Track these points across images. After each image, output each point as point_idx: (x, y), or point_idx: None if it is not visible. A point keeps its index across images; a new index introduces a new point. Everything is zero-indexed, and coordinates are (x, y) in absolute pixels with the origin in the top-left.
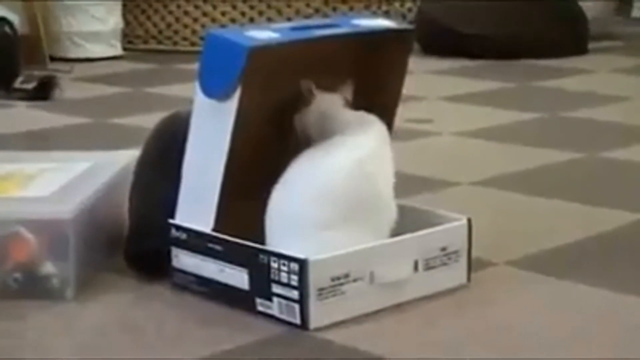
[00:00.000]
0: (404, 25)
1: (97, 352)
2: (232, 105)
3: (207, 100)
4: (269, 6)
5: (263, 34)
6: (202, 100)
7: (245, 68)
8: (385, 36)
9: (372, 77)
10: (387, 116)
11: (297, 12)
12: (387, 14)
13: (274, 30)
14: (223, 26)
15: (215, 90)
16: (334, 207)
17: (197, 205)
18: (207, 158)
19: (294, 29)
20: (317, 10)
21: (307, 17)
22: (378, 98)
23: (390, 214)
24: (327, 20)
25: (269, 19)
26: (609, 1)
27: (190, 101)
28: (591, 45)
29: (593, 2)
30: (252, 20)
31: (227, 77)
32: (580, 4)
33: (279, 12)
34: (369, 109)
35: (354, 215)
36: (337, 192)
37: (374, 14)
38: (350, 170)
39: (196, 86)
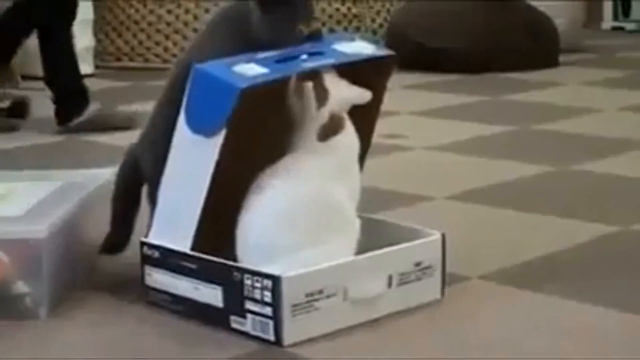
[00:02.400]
0: (386, 52)
1: None
2: (217, 140)
3: (193, 134)
4: None
5: (250, 69)
6: (186, 134)
7: (235, 109)
8: (368, 64)
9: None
10: (365, 135)
11: None
12: (358, 30)
13: (260, 63)
14: None
15: (202, 128)
16: (298, 229)
17: (173, 231)
18: (188, 189)
19: (279, 60)
20: None
21: None
22: (357, 118)
23: (354, 230)
24: (309, 47)
25: None
26: (578, 14)
27: None
28: (562, 58)
29: (563, 15)
30: None
31: (216, 116)
32: (551, 17)
33: None
34: None
35: (318, 235)
36: (299, 215)
37: (352, 36)
38: (310, 193)
39: (181, 118)
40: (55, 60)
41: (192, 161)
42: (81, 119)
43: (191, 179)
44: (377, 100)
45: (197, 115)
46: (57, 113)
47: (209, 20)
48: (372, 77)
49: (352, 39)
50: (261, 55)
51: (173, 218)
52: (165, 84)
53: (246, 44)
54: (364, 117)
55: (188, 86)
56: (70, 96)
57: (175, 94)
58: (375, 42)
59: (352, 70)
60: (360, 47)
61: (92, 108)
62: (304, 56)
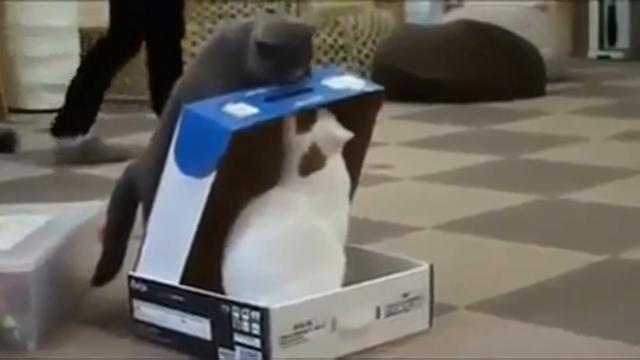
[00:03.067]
0: (375, 87)
1: None
2: (208, 181)
3: (182, 175)
4: None
5: (240, 109)
6: (176, 173)
7: (226, 151)
8: (357, 99)
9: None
10: (354, 168)
11: None
12: (345, 60)
13: (250, 102)
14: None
15: (192, 169)
16: (283, 262)
17: (162, 266)
18: (177, 227)
19: (269, 99)
20: None
21: None
22: (347, 152)
23: (340, 263)
24: (300, 83)
25: None
26: (565, 43)
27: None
28: (548, 87)
29: (549, 45)
30: None
31: (207, 158)
32: (537, 46)
33: None
34: None
35: (303, 268)
36: (284, 248)
37: (340, 69)
38: (295, 227)
39: (170, 157)
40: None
41: (182, 200)
42: None
43: (180, 217)
44: (366, 135)
45: (187, 157)
46: None
47: (206, 47)
48: (361, 112)
49: (341, 73)
50: (250, 92)
51: (161, 254)
52: (165, 108)
53: (242, 79)
54: (353, 152)
55: (178, 126)
56: None
57: (172, 120)
58: (362, 74)
59: (341, 107)
60: (349, 82)
61: None
62: (293, 94)
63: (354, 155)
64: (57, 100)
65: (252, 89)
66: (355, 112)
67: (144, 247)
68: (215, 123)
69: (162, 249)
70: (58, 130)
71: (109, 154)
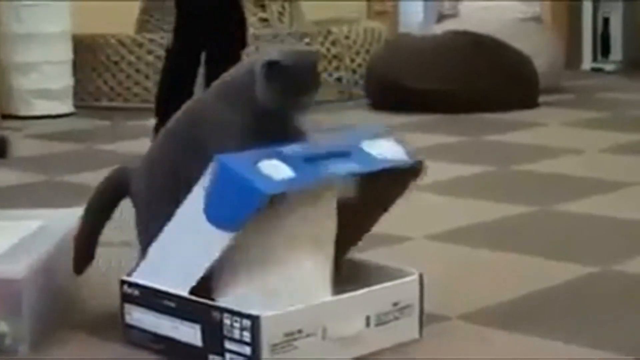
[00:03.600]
0: (416, 158)
1: None
2: (228, 236)
3: (205, 220)
4: None
5: (276, 169)
6: (198, 215)
7: (256, 212)
8: (394, 169)
9: (371, 202)
10: (358, 232)
11: None
12: (337, 69)
13: (286, 161)
14: None
15: (217, 220)
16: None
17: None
18: (182, 265)
19: (307, 159)
20: None
21: None
22: (356, 216)
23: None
24: (336, 144)
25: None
26: (558, 55)
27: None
28: (542, 98)
29: (543, 56)
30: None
31: (235, 214)
32: (530, 58)
33: None
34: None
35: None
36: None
37: (379, 130)
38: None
39: (198, 198)
40: None
41: (197, 242)
42: None
43: (189, 257)
44: (386, 206)
45: (215, 206)
46: None
47: (217, 82)
48: (394, 181)
49: (382, 135)
50: (288, 149)
51: (158, 279)
52: (171, 122)
53: (253, 112)
54: (365, 217)
55: (209, 176)
56: None
57: (174, 137)
58: (355, 83)
59: (378, 176)
60: (389, 149)
61: None
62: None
63: (364, 220)
64: (49, 106)
65: (288, 144)
66: (385, 183)
67: (141, 264)
68: (251, 183)
69: (161, 275)
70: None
71: None
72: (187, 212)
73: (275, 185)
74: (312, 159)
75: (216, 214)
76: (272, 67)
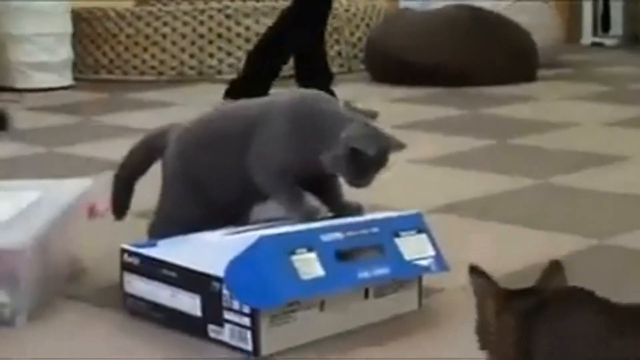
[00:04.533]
0: (443, 266)
1: None
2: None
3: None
4: (219, 35)
5: (308, 265)
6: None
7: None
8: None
9: None
10: None
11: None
12: (337, 42)
13: (320, 255)
14: (173, 56)
15: (237, 291)
16: None
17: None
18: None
19: (340, 254)
20: None
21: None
22: None
23: None
24: (370, 233)
25: (219, 49)
26: (558, 30)
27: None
28: (540, 72)
29: (542, 31)
30: (201, 49)
31: (249, 298)
32: (529, 31)
33: (229, 41)
34: None
35: None
36: None
37: (420, 222)
38: None
39: (224, 246)
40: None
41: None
42: None
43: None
44: None
45: (234, 275)
46: None
47: (292, 109)
48: None
49: (418, 228)
50: (326, 236)
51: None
52: (214, 110)
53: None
54: None
55: (248, 247)
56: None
57: (212, 131)
58: (354, 57)
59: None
60: (421, 250)
61: None
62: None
63: None
64: (47, 79)
65: (327, 227)
66: None
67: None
68: (275, 280)
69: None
70: (234, 93)
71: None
72: (207, 244)
73: (298, 291)
74: (346, 255)
75: (231, 277)
76: (355, 153)
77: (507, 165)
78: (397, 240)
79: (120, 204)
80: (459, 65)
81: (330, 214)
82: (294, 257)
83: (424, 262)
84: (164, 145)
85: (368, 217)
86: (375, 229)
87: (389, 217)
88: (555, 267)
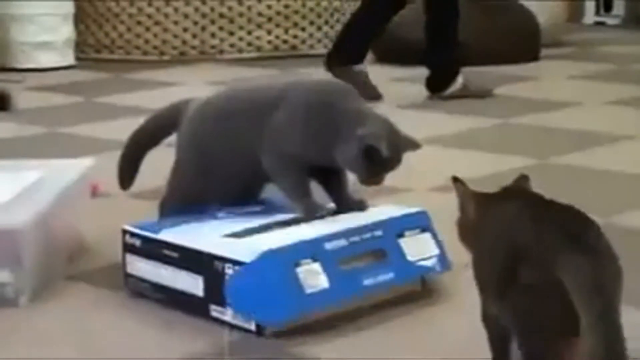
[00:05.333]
0: (447, 262)
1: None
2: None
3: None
4: (221, 15)
5: (313, 276)
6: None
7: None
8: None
9: None
10: None
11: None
12: (338, 22)
13: (325, 264)
14: (175, 36)
15: (236, 303)
16: None
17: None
18: None
19: (344, 262)
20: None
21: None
22: None
23: None
24: (374, 237)
25: (221, 28)
26: (561, 9)
27: (141, 111)
28: (544, 52)
29: (545, 10)
30: (203, 29)
31: (250, 309)
32: (532, 11)
33: (231, 20)
34: None
35: None
36: None
37: (422, 221)
38: None
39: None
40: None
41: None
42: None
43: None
44: None
45: (237, 285)
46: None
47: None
48: None
49: (421, 228)
50: (331, 244)
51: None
52: (246, 91)
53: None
54: None
55: (252, 262)
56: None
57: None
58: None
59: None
60: (424, 250)
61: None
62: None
63: None
64: (49, 59)
65: (331, 235)
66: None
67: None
68: (281, 296)
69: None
70: (332, 61)
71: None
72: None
73: (302, 302)
74: (349, 265)
75: (232, 289)
76: (370, 151)
77: (509, 145)
78: (401, 241)
79: (126, 178)
80: (462, 45)
81: (333, 209)
82: (299, 269)
83: (427, 263)
84: (175, 122)
85: (371, 214)
86: (378, 232)
87: (393, 217)
88: (522, 178)
